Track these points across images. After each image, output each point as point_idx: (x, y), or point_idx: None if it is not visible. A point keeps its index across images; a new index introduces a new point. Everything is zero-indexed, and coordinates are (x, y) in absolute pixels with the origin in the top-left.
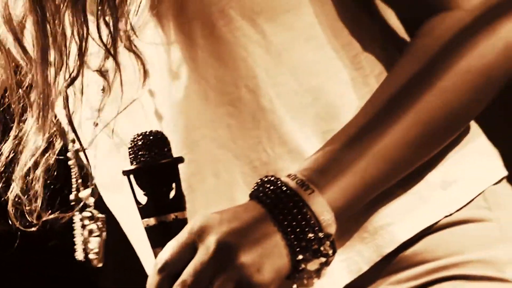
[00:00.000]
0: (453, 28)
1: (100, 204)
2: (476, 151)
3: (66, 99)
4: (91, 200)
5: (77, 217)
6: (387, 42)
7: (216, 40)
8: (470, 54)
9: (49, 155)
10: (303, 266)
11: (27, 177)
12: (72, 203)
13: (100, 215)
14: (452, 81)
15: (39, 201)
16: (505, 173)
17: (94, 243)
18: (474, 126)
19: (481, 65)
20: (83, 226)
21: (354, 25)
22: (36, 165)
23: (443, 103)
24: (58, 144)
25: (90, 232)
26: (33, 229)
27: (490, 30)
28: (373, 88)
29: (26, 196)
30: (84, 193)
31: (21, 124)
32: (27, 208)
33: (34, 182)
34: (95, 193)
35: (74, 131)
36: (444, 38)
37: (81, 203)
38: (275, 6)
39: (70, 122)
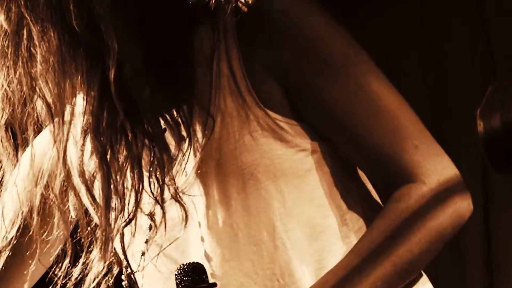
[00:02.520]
0: (417, 199)
1: None
2: None
3: (122, 236)
4: None
5: None
6: (365, 204)
7: (246, 195)
8: (430, 220)
9: (108, 278)
10: None
11: None
12: None
13: None
14: (416, 238)
15: None
16: None
17: None
18: (423, 274)
19: (437, 228)
20: None
21: (343, 191)
22: (98, 285)
23: (410, 253)
24: (115, 270)
25: None
26: None
27: (444, 202)
28: (353, 239)
29: None
30: None
31: (88, 253)
32: None
33: None
34: None
35: (127, 260)
36: (411, 206)
37: None
38: (291, 172)
39: (124, 254)
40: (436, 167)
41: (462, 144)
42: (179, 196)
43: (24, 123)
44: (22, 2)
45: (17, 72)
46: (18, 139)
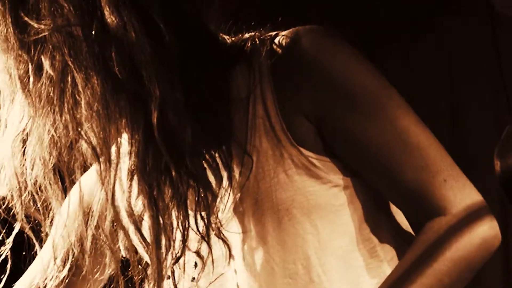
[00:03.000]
0: (446, 230)
1: None
2: None
3: (172, 273)
4: None
5: None
6: (396, 235)
7: (282, 230)
8: (458, 250)
9: None
10: None
11: None
12: None
13: None
14: (446, 268)
15: None
16: None
17: None
18: None
19: (463, 255)
20: None
21: (373, 224)
22: None
23: (441, 283)
24: None
25: None
26: None
27: (471, 233)
28: (385, 269)
29: None
30: None
31: None
32: None
33: None
34: None
35: None
36: (439, 237)
37: None
38: (324, 208)
39: None
40: (463, 200)
41: (478, 169)
42: (223, 234)
43: (71, 166)
44: (66, 51)
45: (63, 118)
46: (66, 182)
